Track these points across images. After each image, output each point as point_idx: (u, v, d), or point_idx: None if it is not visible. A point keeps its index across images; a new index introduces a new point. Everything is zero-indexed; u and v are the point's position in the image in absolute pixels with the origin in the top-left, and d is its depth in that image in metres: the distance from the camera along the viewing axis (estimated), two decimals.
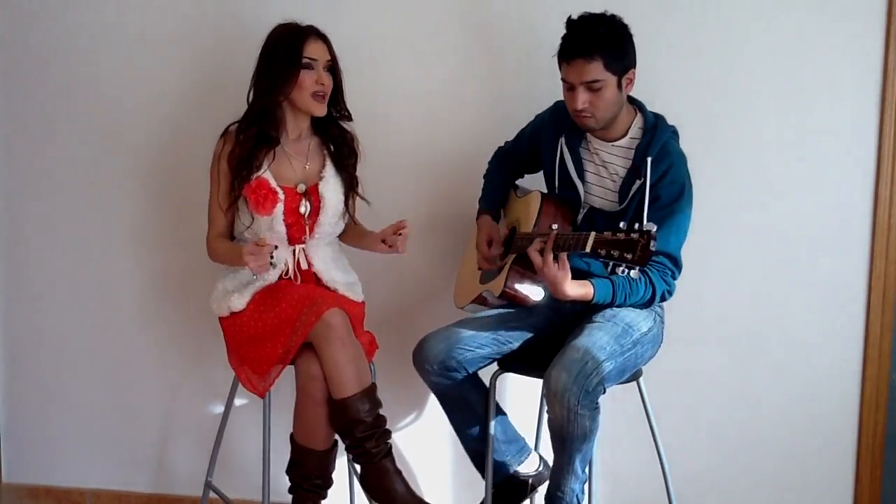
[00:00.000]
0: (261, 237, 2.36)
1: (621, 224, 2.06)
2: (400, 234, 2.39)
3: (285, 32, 2.41)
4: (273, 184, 2.43)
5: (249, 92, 2.44)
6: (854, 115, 2.66)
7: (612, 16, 2.28)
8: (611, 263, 2.10)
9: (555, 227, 2.35)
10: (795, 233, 2.72)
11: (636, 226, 2.03)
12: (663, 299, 2.34)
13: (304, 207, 2.46)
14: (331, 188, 2.48)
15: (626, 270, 2.06)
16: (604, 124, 2.33)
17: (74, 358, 3.03)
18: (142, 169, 2.93)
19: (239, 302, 2.42)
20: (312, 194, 2.48)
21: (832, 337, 2.74)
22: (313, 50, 2.39)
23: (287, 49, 2.38)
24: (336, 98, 2.49)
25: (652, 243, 1.99)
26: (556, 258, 2.18)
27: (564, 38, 2.29)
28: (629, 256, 2.01)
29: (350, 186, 2.53)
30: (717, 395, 2.80)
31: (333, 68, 2.45)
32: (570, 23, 2.29)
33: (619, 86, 2.28)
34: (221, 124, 2.50)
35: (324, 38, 2.43)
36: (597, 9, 2.30)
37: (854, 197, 2.69)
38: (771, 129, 2.70)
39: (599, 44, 2.23)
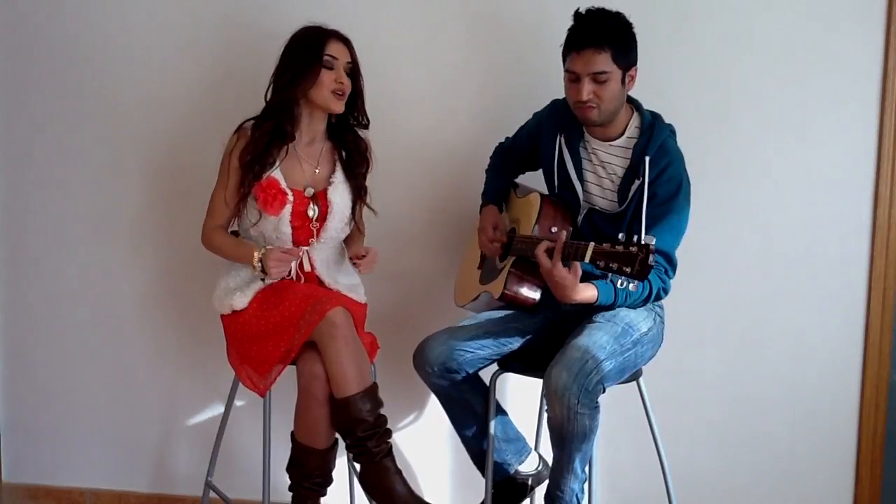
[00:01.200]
0: (290, 248, 2.42)
1: (620, 235, 2.05)
2: (361, 260, 2.49)
3: (309, 32, 2.42)
4: (283, 184, 2.43)
5: (267, 90, 2.45)
6: (854, 116, 2.67)
7: (619, 12, 2.31)
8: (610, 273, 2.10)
9: (554, 229, 2.36)
10: (795, 233, 2.73)
11: (635, 238, 2.03)
12: (658, 298, 2.34)
13: (313, 211, 2.47)
14: (339, 194, 2.49)
15: (625, 282, 2.05)
16: (606, 117, 2.33)
17: (74, 358, 3.03)
18: (143, 167, 2.93)
19: (241, 300, 2.42)
20: (320, 199, 2.48)
21: (832, 337, 2.75)
22: (335, 49, 2.41)
23: (309, 47, 2.40)
24: (355, 104, 2.50)
25: (651, 258, 1.99)
26: (567, 264, 2.18)
27: (573, 29, 2.31)
28: (628, 270, 2.01)
29: (358, 195, 2.53)
30: (717, 395, 2.80)
31: (354, 72, 2.46)
32: (579, 15, 2.31)
33: (623, 81, 2.29)
34: (226, 123, 2.50)
35: (346, 41, 2.45)
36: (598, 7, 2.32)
37: (854, 197, 2.69)
38: (771, 130, 2.70)
39: (609, 35, 2.25)
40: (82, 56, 2.91)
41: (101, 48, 2.89)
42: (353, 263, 2.51)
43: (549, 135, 2.47)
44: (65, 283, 3.01)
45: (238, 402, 2.83)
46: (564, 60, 2.32)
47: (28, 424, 3.09)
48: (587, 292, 2.23)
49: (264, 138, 2.42)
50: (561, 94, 2.42)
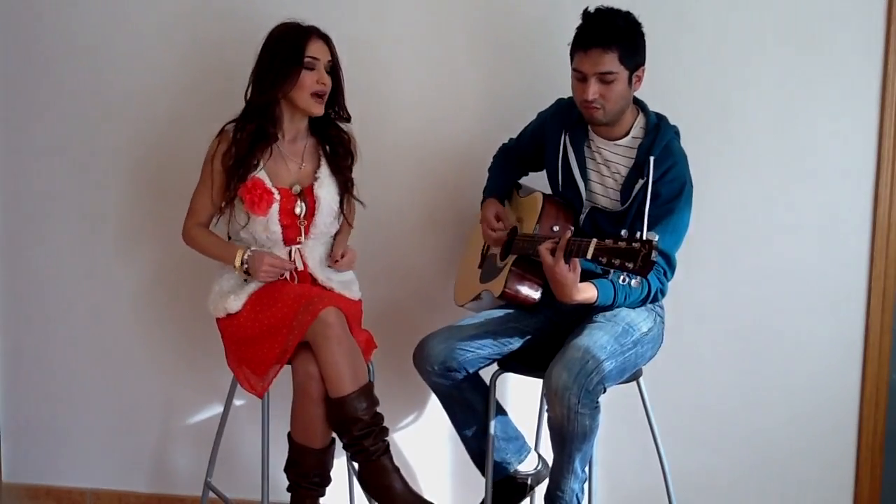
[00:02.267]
0: (292, 256, 2.44)
1: (623, 232, 2.05)
2: (341, 260, 2.51)
3: (288, 31, 2.41)
4: (268, 184, 2.43)
5: (248, 89, 2.45)
6: (854, 116, 2.67)
7: (628, 12, 2.30)
8: (612, 270, 2.09)
9: (556, 228, 2.35)
10: (795, 233, 2.72)
11: (637, 234, 2.02)
12: (655, 299, 2.34)
13: (300, 208, 2.47)
14: (325, 189, 2.49)
15: (627, 279, 2.05)
16: (611, 118, 2.33)
17: (74, 358, 3.03)
18: (141, 169, 2.93)
19: (235, 304, 2.42)
20: (307, 195, 2.48)
21: (832, 337, 2.74)
22: (315, 49, 2.40)
23: (289, 47, 2.38)
24: (335, 99, 2.49)
25: (653, 253, 1.98)
26: (568, 261, 2.18)
27: (581, 27, 2.30)
28: (630, 266, 2.00)
29: (345, 188, 2.53)
30: (717, 395, 2.80)
31: (334, 69, 2.45)
32: (588, 14, 2.31)
33: (630, 82, 2.29)
34: (220, 125, 2.49)
35: (325, 39, 2.44)
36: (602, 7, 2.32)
37: (854, 197, 2.69)
38: (771, 130, 2.70)
39: (617, 35, 2.25)
40: (74, 58, 2.90)
41: (95, 47, 2.89)
42: (330, 265, 2.52)
43: (554, 133, 2.47)
44: (64, 284, 3.01)
45: (237, 402, 2.83)
46: (572, 59, 2.32)
47: (28, 424, 3.09)
48: (587, 293, 2.23)
49: (247, 140, 2.41)
50: (565, 93, 2.42)
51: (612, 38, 2.24)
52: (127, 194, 2.95)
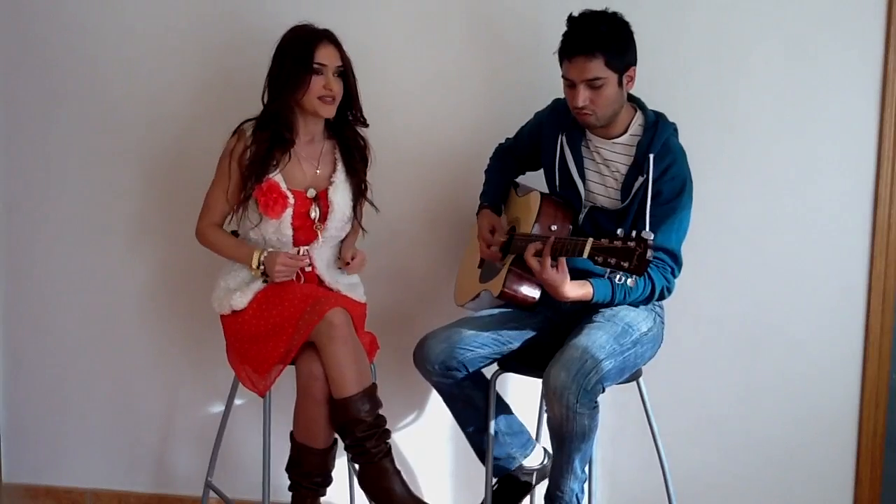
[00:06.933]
0: (301, 254, 2.45)
1: (619, 231, 2.05)
2: (351, 262, 2.51)
3: (298, 35, 2.42)
4: (283, 187, 2.44)
5: (264, 93, 2.45)
6: (854, 115, 2.67)
7: (614, 13, 2.29)
8: (608, 269, 2.10)
9: (554, 227, 2.36)
10: (795, 233, 2.72)
11: (633, 233, 2.03)
12: (662, 297, 2.34)
13: (315, 212, 2.47)
14: (340, 194, 2.49)
15: (624, 278, 2.06)
16: (604, 121, 2.33)
17: (74, 358, 3.03)
18: (142, 167, 2.93)
19: (241, 300, 2.43)
20: (322, 199, 2.48)
21: (832, 337, 2.74)
22: (324, 55, 2.40)
23: (298, 53, 2.39)
24: (351, 103, 2.50)
25: (649, 252, 1.99)
26: (554, 262, 2.18)
27: (566, 35, 2.29)
28: (626, 265, 2.02)
29: (359, 192, 2.54)
30: (717, 395, 2.80)
31: (345, 73, 2.45)
32: (572, 20, 2.30)
33: (620, 83, 2.28)
34: (223, 123, 2.50)
35: (336, 43, 2.44)
36: (598, 7, 2.31)
37: (854, 197, 2.69)
38: (771, 129, 2.70)
39: (601, 41, 2.23)
40: (80, 56, 2.90)
41: (100, 47, 2.89)
42: (341, 267, 2.52)
43: (551, 134, 2.47)
44: (64, 284, 3.01)
45: (238, 402, 2.83)
46: (561, 65, 2.32)
47: (28, 424, 3.09)
48: (582, 289, 2.24)
49: (265, 145, 2.42)
50: (562, 94, 2.42)
51: (595, 45, 2.22)
52: (130, 193, 2.95)
